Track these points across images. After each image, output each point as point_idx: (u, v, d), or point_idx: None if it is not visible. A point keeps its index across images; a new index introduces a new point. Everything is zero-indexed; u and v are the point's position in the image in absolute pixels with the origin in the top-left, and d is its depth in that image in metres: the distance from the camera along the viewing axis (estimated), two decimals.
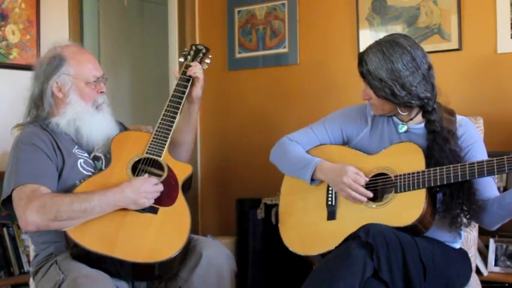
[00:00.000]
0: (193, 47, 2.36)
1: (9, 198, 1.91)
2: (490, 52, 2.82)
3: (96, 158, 2.08)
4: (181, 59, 2.33)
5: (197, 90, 2.24)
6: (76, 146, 2.04)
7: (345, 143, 2.18)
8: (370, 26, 3.13)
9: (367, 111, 2.15)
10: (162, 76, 4.00)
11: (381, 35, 3.06)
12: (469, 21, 2.87)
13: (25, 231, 2.10)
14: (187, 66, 2.25)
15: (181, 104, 2.18)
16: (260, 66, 3.48)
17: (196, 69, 2.23)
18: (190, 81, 2.23)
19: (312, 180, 2.08)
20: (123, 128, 2.28)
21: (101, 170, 2.05)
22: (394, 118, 2.09)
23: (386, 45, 1.93)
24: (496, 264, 2.60)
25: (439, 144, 1.92)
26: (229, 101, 3.59)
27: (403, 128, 2.05)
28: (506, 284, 2.55)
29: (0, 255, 2.79)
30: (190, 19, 3.72)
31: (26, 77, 2.43)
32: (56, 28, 3.20)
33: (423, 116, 2.00)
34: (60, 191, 1.94)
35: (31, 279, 2.09)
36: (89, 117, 2.04)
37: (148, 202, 1.90)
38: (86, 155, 2.06)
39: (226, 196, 3.57)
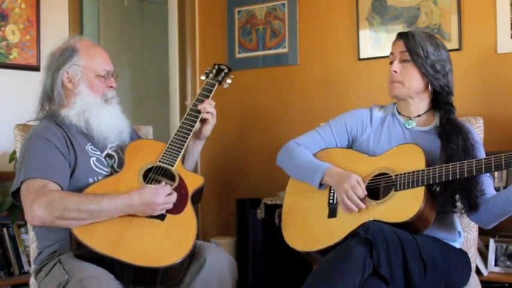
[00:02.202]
0: (216, 66, 2.37)
1: (18, 190, 1.91)
2: (490, 52, 2.82)
3: (109, 156, 2.08)
4: (203, 77, 2.34)
5: (207, 129, 2.23)
6: (89, 143, 2.04)
7: (351, 144, 2.19)
8: (370, 26, 3.13)
9: (371, 113, 2.18)
10: (162, 76, 4.00)
11: (381, 35, 3.09)
12: (469, 21, 2.87)
13: (31, 225, 2.10)
14: (196, 103, 2.21)
15: (199, 118, 2.18)
16: (260, 66, 3.49)
17: (209, 108, 2.20)
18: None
19: (321, 185, 2.09)
20: (135, 132, 2.27)
21: (112, 167, 2.06)
22: (399, 117, 2.11)
23: (428, 34, 2.08)
24: (496, 264, 2.60)
25: (452, 123, 2.00)
26: (229, 101, 3.59)
27: (410, 124, 2.08)
28: (506, 284, 2.55)
29: (0, 255, 2.79)
30: (190, 19, 3.72)
31: (26, 77, 2.45)
32: (56, 28, 3.20)
33: (443, 108, 2.06)
34: (72, 188, 1.93)
35: (32, 278, 2.09)
36: (97, 109, 2.04)
37: (157, 213, 1.89)
38: (99, 153, 2.05)
39: (226, 196, 3.58)
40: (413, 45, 2.04)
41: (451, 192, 1.93)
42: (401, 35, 2.09)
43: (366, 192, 1.98)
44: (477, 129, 2.23)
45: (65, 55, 2.05)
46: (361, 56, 3.16)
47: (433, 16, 2.95)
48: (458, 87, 2.82)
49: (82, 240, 1.80)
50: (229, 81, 2.35)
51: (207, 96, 2.23)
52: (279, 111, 3.44)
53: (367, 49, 3.14)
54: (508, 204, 1.83)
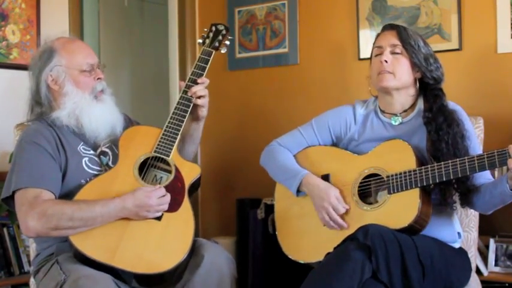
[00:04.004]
0: (213, 28, 2.22)
1: (10, 196, 1.91)
2: (490, 52, 2.81)
3: (103, 153, 2.06)
4: (200, 40, 2.22)
5: (202, 110, 2.13)
6: (82, 143, 2.02)
7: (334, 143, 2.17)
8: (370, 26, 3.12)
9: (355, 110, 2.15)
10: (162, 76, 4.00)
11: None
12: (469, 21, 2.87)
13: (26, 236, 2.10)
14: (189, 85, 2.09)
15: (192, 100, 2.10)
16: (260, 66, 3.48)
17: (200, 92, 2.08)
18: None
19: (299, 191, 2.08)
20: (128, 119, 2.24)
21: (107, 165, 2.04)
22: (381, 116, 2.09)
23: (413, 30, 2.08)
24: (496, 264, 2.60)
25: (444, 112, 1.95)
26: (229, 101, 3.59)
27: (397, 121, 2.05)
28: (507, 284, 2.54)
29: (0, 255, 2.79)
30: (190, 19, 3.72)
31: (26, 77, 2.42)
32: (56, 28, 3.19)
33: (432, 94, 2.02)
34: (64, 191, 1.93)
35: (32, 279, 2.09)
36: (87, 107, 2.01)
37: (151, 215, 1.88)
38: (92, 152, 2.03)
39: (226, 196, 3.57)
40: (406, 37, 1.99)
41: (444, 189, 1.91)
42: (392, 27, 2.04)
43: (347, 207, 1.96)
44: (477, 129, 2.23)
45: (43, 58, 2.02)
46: (361, 56, 3.15)
47: (433, 16, 2.95)
48: (458, 87, 2.83)
49: (79, 248, 1.81)
50: (227, 42, 2.21)
51: (204, 69, 2.13)
52: (279, 111, 3.44)
53: (367, 49, 3.11)
54: (506, 195, 1.82)
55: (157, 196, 1.88)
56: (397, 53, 2.00)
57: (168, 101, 3.86)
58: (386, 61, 2.00)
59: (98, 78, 2.06)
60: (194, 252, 1.92)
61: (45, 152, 1.93)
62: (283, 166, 2.13)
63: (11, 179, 1.91)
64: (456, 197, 1.95)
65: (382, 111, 2.10)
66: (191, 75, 2.13)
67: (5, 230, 2.82)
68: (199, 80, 2.11)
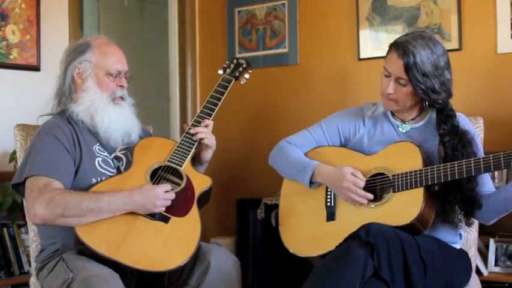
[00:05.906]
0: (234, 61, 2.34)
1: (20, 183, 1.92)
2: (490, 52, 2.82)
3: (117, 158, 2.08)
4: (221, 71, 2.31)
5: (207, 154, 2.20)
6: (98, 144, 2.04)
7: (343, 144, 2.18)
8: (370, 26, 3.13)
9: (364, 112, 2.16)
10: (162, 76, 4.00)
11: (381, 35, 3.09)
12: (469, 21, 2.87)
13: (33, 224, 2.11)
14: (197, 122, 2.16)
15: (214, 113, 2.19)
16: (260, 66, 3.48)
17: (204, 134, 2.14)
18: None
19: (311, 183, 2.09)
20: (144, 132, 2.26)
21: (118, 168, 2.05)
22: (391, 118, 2.10)
23: (429, 41, 1.92)
24: (496, 264, 2.60)
25: (458, 133, 1.93)
26: (229, 101, 3.58)
27: (405, 128, 2.06)
28: (506, 284, 2.55)
29: (0, 255, 2.79)
30: (190, 19, 3.72)
31: (26, 77, 2.44)
32: (56, 28, 3.20)
33: (443, 114, 1.99)
34: (76, 187, 1.94)
35: (32, 278, 2.09)
36: (103, 107, 2.04)
37: (158, 208, 1.88)
38: (106, 153, 2.05)
39: (226, 196, 3.57)
40: (411, 67, 1.90)
41: (451, 199, 1.90)
42: (401, 55, 1.91)
43: (364, 179, 1.97)
44: (477, 129, 2.23)
45: (78, 50, 2.08)
46: (361, 56, 3.16)
47: (433, 16, 2.95)
48: (458, 87, 2.82)
49: (84, 240, 1.81)
50: (247, 76, 2.33)
51: (222, 93, 2.23)
52: (279, 111, 3.44)
53: (367, 49, 3.14)
54: (509, 201, 1.83)
55: (163, 189, 1.90)
56: (402, 85, 1.96)
57: (168, 101, 3.86)
58: (390, 93, 1.98)
59: (120, 86, 2.10)
60: (200, 258, 1.92)
61: (62, 145, 1.95)
62: (294, 160, 2.15)
63: (25, 166, 1.92)
64: (461, 216, 1.95)
65: (393, 114, 2.11)
66: (210, 97, 2.21)
67: (5, 230, 2.82)
68: (202, 124, 2.16)
